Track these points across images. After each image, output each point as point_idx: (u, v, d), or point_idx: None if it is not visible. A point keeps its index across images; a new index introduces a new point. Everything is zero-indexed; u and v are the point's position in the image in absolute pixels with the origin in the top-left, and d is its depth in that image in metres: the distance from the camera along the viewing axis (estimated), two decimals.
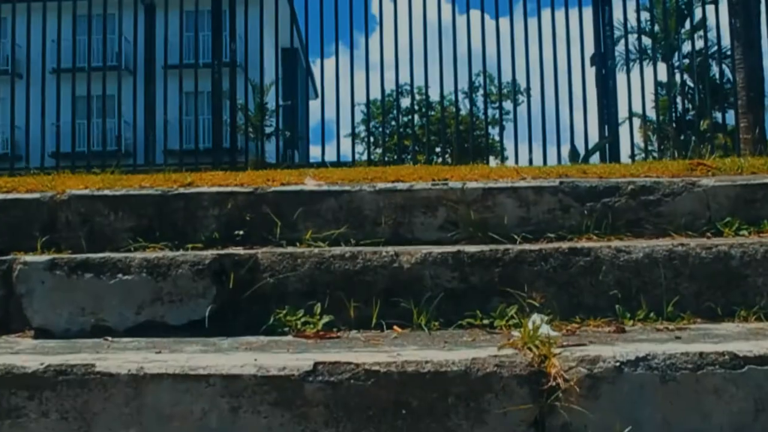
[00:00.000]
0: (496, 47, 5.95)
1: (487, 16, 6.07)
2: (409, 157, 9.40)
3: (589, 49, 6.20)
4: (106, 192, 2.56)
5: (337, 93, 5.97)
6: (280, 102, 6.33)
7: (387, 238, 2.50)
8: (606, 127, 6.29)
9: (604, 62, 6.34)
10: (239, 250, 2.23)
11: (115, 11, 6.13)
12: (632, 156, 6.55)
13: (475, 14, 5.96)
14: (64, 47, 6.28)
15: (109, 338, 2.01)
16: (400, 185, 2.58)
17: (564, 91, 6.09)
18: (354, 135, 6.39)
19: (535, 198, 2.54)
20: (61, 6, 6.38)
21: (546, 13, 6.06)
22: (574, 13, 6.00)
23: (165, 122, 6.05)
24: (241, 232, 2.48)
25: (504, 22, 5.97)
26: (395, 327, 2.06)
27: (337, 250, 2.15)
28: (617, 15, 6.52)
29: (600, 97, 6.27)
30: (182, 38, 6.37)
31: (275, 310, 2.08)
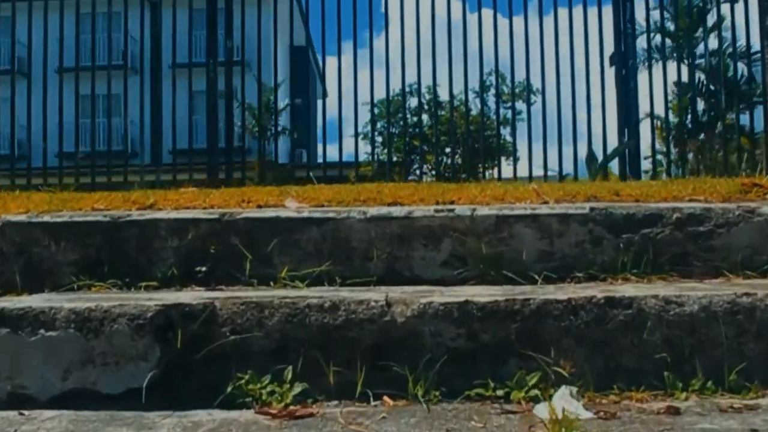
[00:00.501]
0: (509, 46, 5.53)
1: (499, 15, 5.64)
2: (417, 157, 8.96)
3: (609, 48, 5.74)
4: (46, 219, 2.15)
5: (340, 92, 5.59)
6: (285, 101, 5.93)
7: (380, 275, 2.08)
8: (626, 130, 5.85)
9: (624, 62, 5.88)
10: (193, 298, 1.80)
11: (120, 9, 5.77)
12: (653, 160, 6.09)
13: (486, 13, 5.52)
14: (66, 46, 5.94)
15: (26, 412, 1.60)
16: (396, 211, 2.15)
17: (581, 91, 5.65)
18: (357, 135, 5.95)
19: (559, 228, 2.10)
20: (63, 4, 6.03)
21: (563, 11, 5.61)
22: (592, 10, 5.55)
23: (153, 123, 5.70)
24: (204, 269, 2.06)
25: (518, 21, 5.53)
26: (385, 398, 1.63)
27: (314, 299, 1.72)
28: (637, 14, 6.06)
29: (620, 98, 5.83)
30: (176, 36, 5.96)
31: (235, 374, 1.66)
